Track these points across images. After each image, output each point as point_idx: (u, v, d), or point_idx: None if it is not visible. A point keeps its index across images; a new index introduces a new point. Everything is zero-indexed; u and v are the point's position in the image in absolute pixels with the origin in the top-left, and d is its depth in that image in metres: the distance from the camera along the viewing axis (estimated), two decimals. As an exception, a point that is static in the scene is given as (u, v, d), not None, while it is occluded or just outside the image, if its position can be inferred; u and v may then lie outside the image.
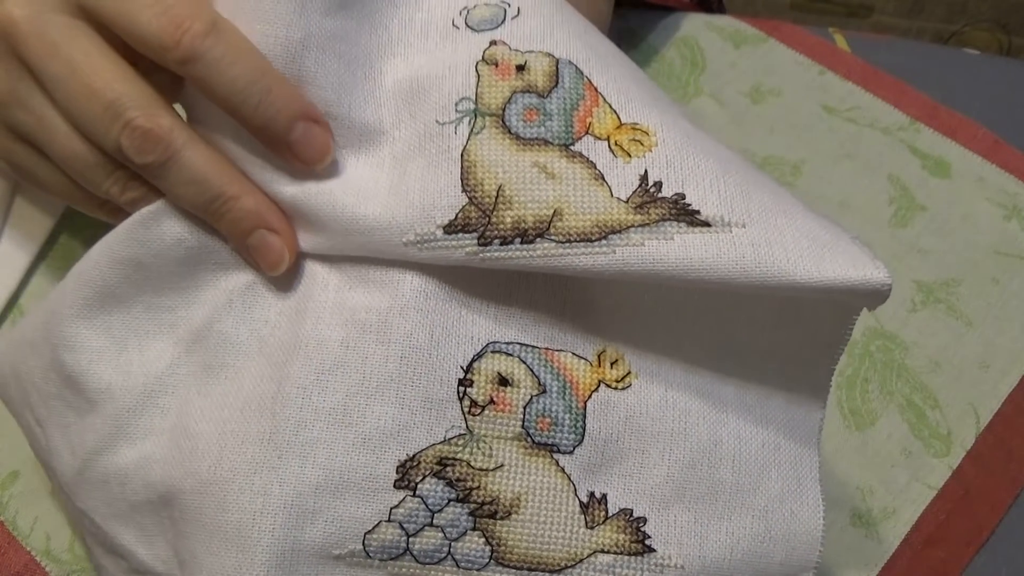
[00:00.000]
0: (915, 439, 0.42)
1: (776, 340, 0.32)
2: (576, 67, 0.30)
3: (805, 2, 0.99)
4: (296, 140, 0.30)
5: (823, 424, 0.32)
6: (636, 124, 0.29)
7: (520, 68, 0.30)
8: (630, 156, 0.29)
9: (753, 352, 0.32)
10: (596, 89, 0.30)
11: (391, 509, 0.29)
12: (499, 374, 0.30)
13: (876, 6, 0.98)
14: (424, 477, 0.29)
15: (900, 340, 0.44)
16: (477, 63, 0.30)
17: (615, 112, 0.30)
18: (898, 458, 0.41)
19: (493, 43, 0.31)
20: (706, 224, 0.28)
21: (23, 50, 0.30)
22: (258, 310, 0.32)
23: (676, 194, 0.28)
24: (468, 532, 0.29)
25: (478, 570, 0.30)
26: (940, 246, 0.47)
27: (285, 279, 0.32)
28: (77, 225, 0.45)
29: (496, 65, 0.30)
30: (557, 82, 0.30)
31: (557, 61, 0.30)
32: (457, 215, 0.29)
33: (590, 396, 0.30)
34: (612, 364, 0.31)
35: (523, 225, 0.29)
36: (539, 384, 0.30)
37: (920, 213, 0.48)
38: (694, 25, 0.56)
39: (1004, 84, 0.53)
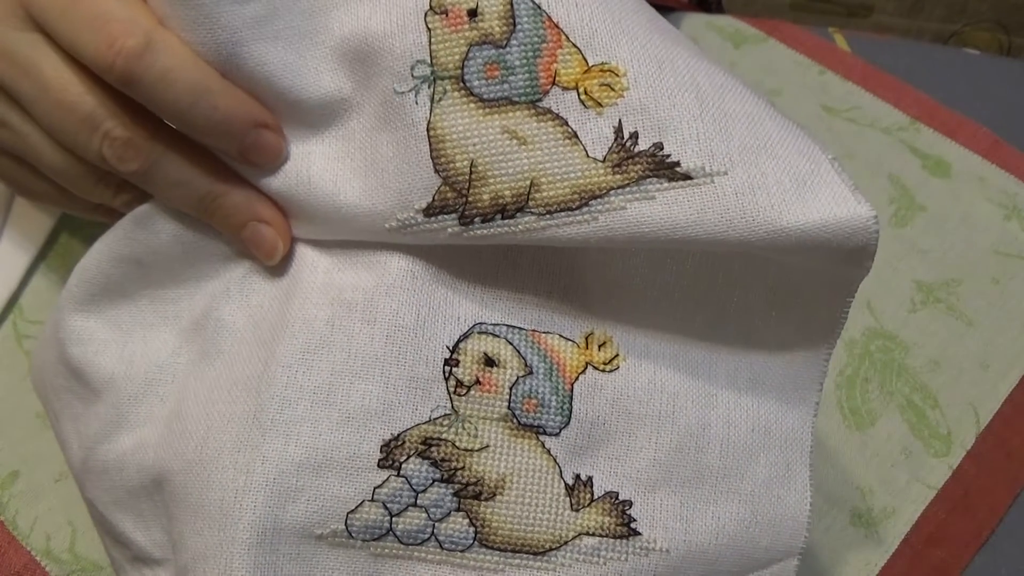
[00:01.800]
0: (915, 439, 0.42)
1: (769, 323, 0.31)
2: (532, 0, 0.29)
3: (805, 2, 0.99)
4: (248, 148, 0.30)
5: (818, 409, 0.32)
6: (604, 64, 0.28)
7: (472, 13, 0.28)
8: (602, 106, 0.28)
9: (746, 335, 0.32)
10: (557, 25, 0.28)
11: (374, 489, 0.29)
12: (485, 354, 0.30)
13: (876, 6, 0.98)
14: (408, 457, 0.29)
15: (900, 340, 0.44)
16: (426, 13, 0.29)
17: (580, 52, 0.28)
18: (898, 458, 0.41)
19: None
20: (687, 177, 0.27)
21: None
22: (254, 296, 0.32)
23: (654, 145, 0.28)
24: (452, 513, 0.29)
25: (461, 551, 0.29)
26: (940, 246, 0.47)
27: (279, 264, 0.32)
28: (77, 225, 0.45)
29: (446, 14, 0.29)
30: (514, 25, 0.28)
31: None
32: (434, 197, 0.29)
33: (577, 378, 0.30)
34: (600, 346, 0.30)
35: (501, 200, 0.28)
36: (525, 365, 0.30)
37: (920, 213, 0.48)
38: (694, 25, 0.56)
39: (1004, 84, 0.53)
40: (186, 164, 0.30)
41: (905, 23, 0.98)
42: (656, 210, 0.27)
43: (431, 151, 0.29)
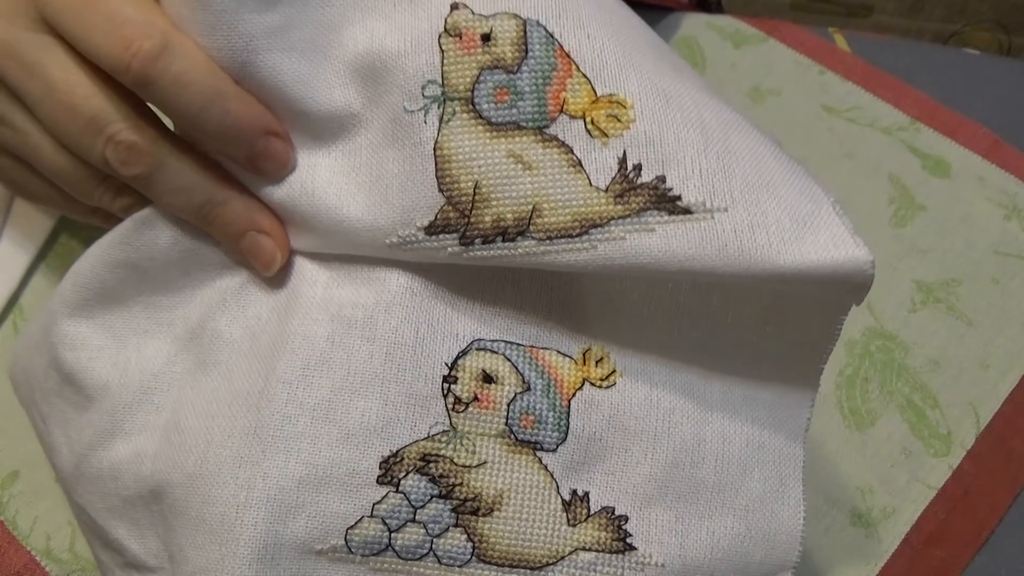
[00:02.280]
0: (915, 439, 0.42)
1: (764, 339, 0.32)
2: (545, 29, 0.29)
3: (805, 2, 0.99)
4: (257, 155, 0.30)
5: (809, 424, 0.32)
6: (612, 95, 0.28)
7: (486, 38, 0.29)
8: (607, 136, 0.28)
9: (740, 351, 0.32)
10: (568, 55, 0.29)
11: (374, 505, 0.29)
12: (483, 371, 0.30)
13: (876, 6, 0.98)
14: (407, 473, 0.29)
15: (900, 340, 0.44)
16: (440, 35, 0.29)
17: (589, 82, 0.29)
18: (898, 458, 0.41)
19: (455, 6, 0.29)
20: (687, 211, 0.27)
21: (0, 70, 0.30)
22: (251, 308, 0.32)
23: (656, 178, 0.28)
24: (450, 528, 0.30)
25: (460, 567, 0.30)
26: (940, 246, 0.47)
27: (276, 276, 0.32)
28: (77, 225, 0.45)
29: (460, 37, 0.29)
30: (526, 52, 0.29)
31: (524, 23, 0.29)
32: (436, 216, 0.29)
33: (574, 394, 0.30)
34: (597, 362, 0.31)
35: (503, 223, 0.28)
36: (523, 382, 0.30)
37: (920, 213, 0.48)
38: (694, 25, 0.56)
39: (1004, 84, 0.53)
40: (188, 171, 0.30)
41: (905, 23, 0.98)
42: (655, 242, 0.27)
43: (436, 170, 0.29)
